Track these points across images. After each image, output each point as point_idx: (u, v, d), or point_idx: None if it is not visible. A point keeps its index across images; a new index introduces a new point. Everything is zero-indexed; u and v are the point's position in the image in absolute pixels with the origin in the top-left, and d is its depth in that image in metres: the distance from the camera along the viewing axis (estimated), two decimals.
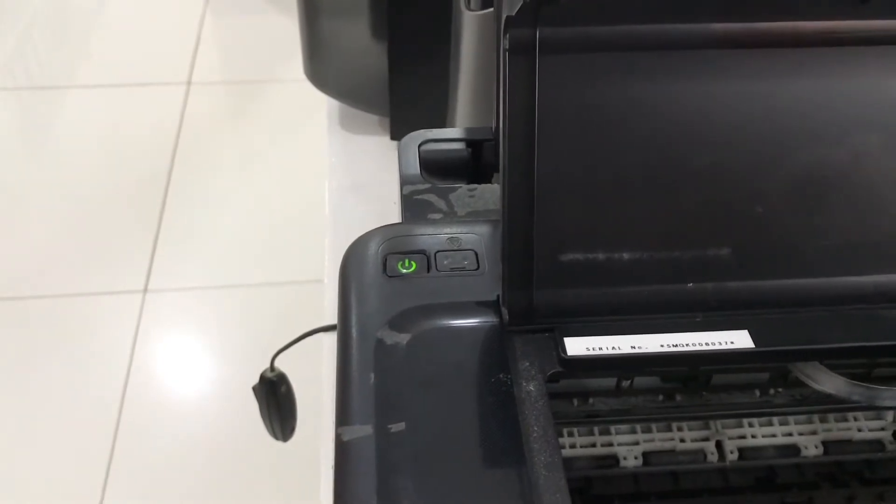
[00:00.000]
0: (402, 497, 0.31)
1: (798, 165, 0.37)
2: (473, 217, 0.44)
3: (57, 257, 1.50)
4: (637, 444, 0.43)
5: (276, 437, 0.65)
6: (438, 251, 0.41)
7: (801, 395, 0.43)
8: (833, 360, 0.38)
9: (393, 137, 0.72)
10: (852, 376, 0.43)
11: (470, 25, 0.58)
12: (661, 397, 0.43)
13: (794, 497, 0.43)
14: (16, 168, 1.70)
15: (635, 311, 0.38)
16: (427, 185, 0.46)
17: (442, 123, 0.68)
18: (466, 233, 0.42)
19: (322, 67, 0.72)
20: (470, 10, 0.57)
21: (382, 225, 0.43)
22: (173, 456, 1.25)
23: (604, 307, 0.38)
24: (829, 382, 0.37)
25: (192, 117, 1.77)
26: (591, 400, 0.43)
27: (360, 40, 0.69)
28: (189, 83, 1.85)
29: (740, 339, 0.37)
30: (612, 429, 0.43)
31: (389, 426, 0.33)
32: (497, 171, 0.46)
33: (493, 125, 0.47)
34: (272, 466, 1.19)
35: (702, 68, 0.36)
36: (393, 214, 0.46)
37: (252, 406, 0.65)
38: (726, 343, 0.37)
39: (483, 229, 0.42)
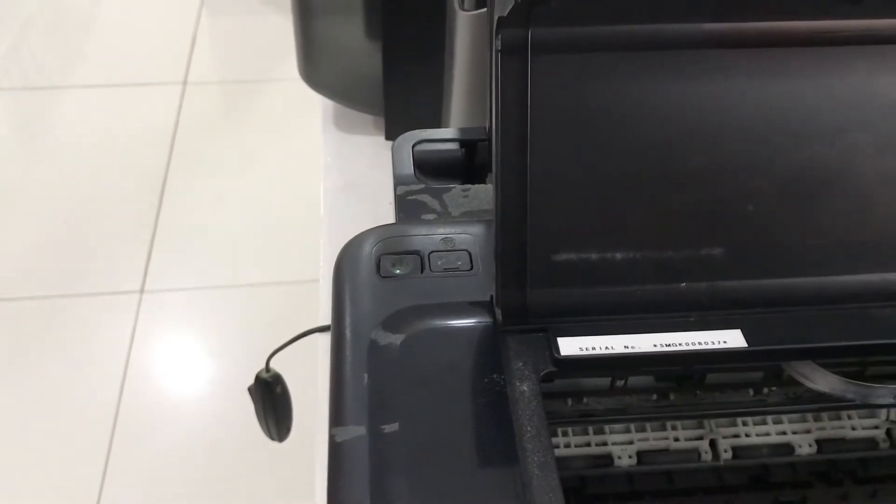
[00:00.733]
0: (396, 498, 0.31)
1: (791, 165, 0.37)
2: (467, 217, 0.44)
3: (53, 258, 1.50)
4: (631, 443, 0.43)
5: (272, 438, 0.65)
6: (432, 252, 0.41)
7: (795, 394, 0.43)
8: (826, 358, 0.38)
9: (388, 137, 0.72)
10: (845, 375, 0.43)
11: (464, 25, 0.58)
12: (655, 396, 0.43)
13: (787, 496, 0.43)
14: (11, 168, 1.70)
15: (629, 311, 0.38)
16: (421, 186, 0.46)
17: (437, 123, 0.68)
18: (460, 233, 0.42)
19: (316, 68, 0.72)
20: (464, 10, 0.57)
21: (376, 225, 0.43)
22: (170, 456, 1.25)
23: (597, 307, 0.38)
24: (822, 381, 0.37)
25: (188, 117, 1.77)
26: (585, 399, 0.43)
27: (354, 40, 0.69)
28: (185, 83, 1.85)
29: (733, 339, 0.37)
30: (607, 428, 0.43)
31: (383, 427, 0.33)
32: (491, 171, 0.46)
33: (487, 125, 0.47)
34: (268, 467, 1.19)
35: (694, 68, 0.36)
36: (388, 214, 0.46)
37: (248, 406, 0.65)
38: (719, 342, 0.37)
39: (477, 229, 0.42)
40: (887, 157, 0.37)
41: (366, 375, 0.35)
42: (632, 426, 0.43)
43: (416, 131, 0.49)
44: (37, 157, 1.72)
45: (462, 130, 0.50)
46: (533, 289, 0.37)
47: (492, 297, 0.38)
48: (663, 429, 0.43)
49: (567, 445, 0.42)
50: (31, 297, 1.45)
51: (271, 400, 0.63)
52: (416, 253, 0.41)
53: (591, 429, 0.43)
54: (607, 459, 0.43)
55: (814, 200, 0.38)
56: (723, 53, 0.36)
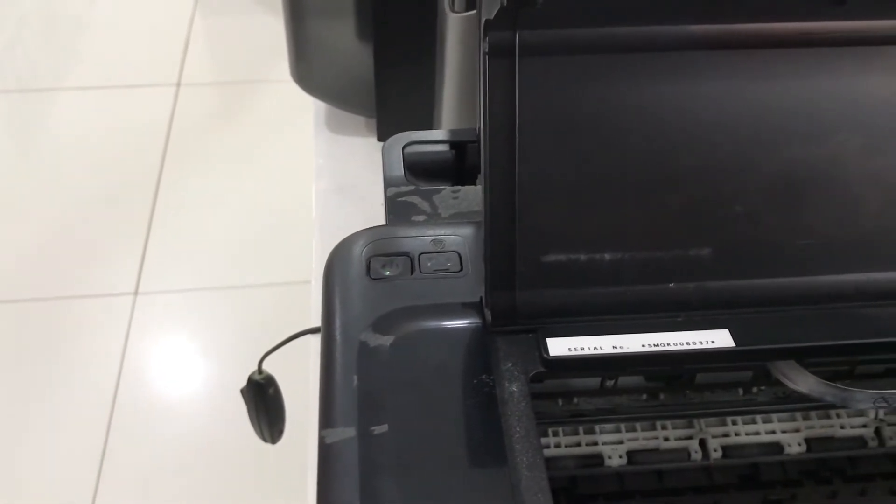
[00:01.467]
0: (385, 499, 0.32)
1: (778, 165, 0.37)
2: (457, 219, 0.44)
3: (47, 260, 1.50)
4: (621, 443, 0.43)
5: (265, 440, 0.65)
6: (422, 253, 0.41)
7: (784, 394, 0.43)
8: (813, 358, 0.38)
9: (380, 139, 0.72)
10: (835, 374, 0.43)
11: (454, 27, 0.58)
12: (644, 396, 0.43)
13: (777, 494, 0.44)
14: (5, 170, 1.69)
15: (617, 311, 0.38)
16: (411, 187, 0.46)
17: (428, 124, 0.68)
18: (450, 234, 0.42)
19: (308, 70, 0.72)
20: (454, 11, 0.57)
21: (367, 227, 0.43)
22: (164, 457, 1.25)
23: (586, 307, 0.38)
24: (803, 382, 0.37)
25: (182, 119, 1.77)
26: (575, 399, 0.43)
27: (345, 42, 0.70)
28: (178, 85, 1.85)
29: (721, 339, 0.37)
30: (597, 428, 0.43)
31: (372, 428, 0.34)
32: (480, 172, 0.47)
33: (476, 127, 0.47)
34: (261, 468, 1.20)
35: (681, 69, 0.36)
36: (380, 215, 0.46)
37: (241, 408, 0.65)
38: (707, 342, 0.37)
39: (467, 231, 0.42)
40: (873, 158, 0.37)
41: (355, 377, 0.35)
42: (622, 426, 0.43)
43: (407, 133, 0.49)
44: (30, 158, 1.72)
45: (452, 132, 0.50)
46: (522, 290, 0.37)
47: (481, 298, 0.38)
48: (653, 428, 0.43)
49: (557, 445, 0.43)
50: (25, 299, 1.45)
51: (264, 402, 0.63)
52: (406, 254, 0.41)
53: (581, 429, 0.43)
54: (597, 459, 0.43)
55: (801, 201, 0.38)
56: (709, 55, 0.36)
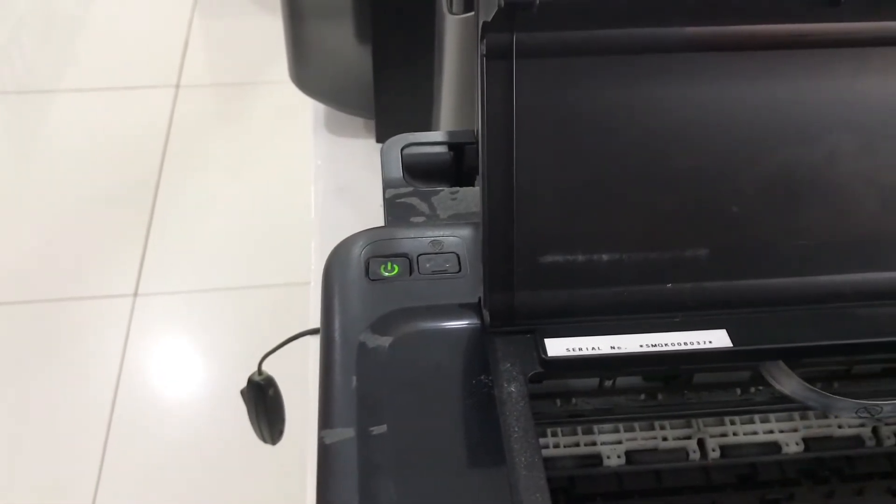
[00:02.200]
0: (384, 499, 0.32)
1: (774, 166, 0.38)
2: (456, 220, 0.44)
3: (46, 262, 1.50)
4: (620, 443, 0.43)
5: (265, 441, 0.66)
6: (421, 254, 0.41)
7: (782, 393, 0.43)
8: (810, 358, 0.38)
9: (379, 140, 0.72)
10: (832, 374, 0.43)
11: (453, 29, 0.58)
12: (643, 396, 0.43)
13: (775, 494, 0.44)
14: (4, 173, 1.69)
15: (615, 312, 0.38)
16: (409, 189, 0.46)
17: (427, 126, 0.68)
18: (448, 236, 0.42)
19: (307, 71, 0.73)
20: (452, 13, 0.57)
21: (365, 228, 0.43)
22: (163, 459, 1.25)
23: (584, 308, 0.38)
24: (787, 384, 0.37)
25: (181, 120, 1.77)
26: (573, 400, 0.43)
27: (344, 44, 0.70)
28: (178, 86, 1.85)
29: (718, 339, 0.37)
30: (595, 428, 0.43)
31: (371, 429, 0.34)
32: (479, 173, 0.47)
33: (475, 128, 0.47)
34: (260, 469, 1.20)
35: (677, 71, 0.36)
36: (379, 217, 0.47)
37: (241, 409, 0.65)
38: (705, 342, 0.37)
39: (465, 232, 0.43)
40: (868, 158, 0.38)
41: (354, 378, 0.36)
42: (620, 426, 0.43)
43: (405, 134, 0.49)
44: (29, 160, 1.72)
45: (450, 133, 0.50)
46: (520, 291, 0.37)
47: (480, 299, 0.38)
48: (651, 428, 0.43)
49: (556, 446, 0.43)
50: (24, 301, 1.45)
51: (264, 403, 0.63)
52: (405, 256, 0.41)
53: (579, 429, 0.43)
54: (596, 459, 0.43)
55: (797, 201, 0.38)
56: (706, 56, 0.36)
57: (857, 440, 0.44)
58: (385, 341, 0.37)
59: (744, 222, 0.38)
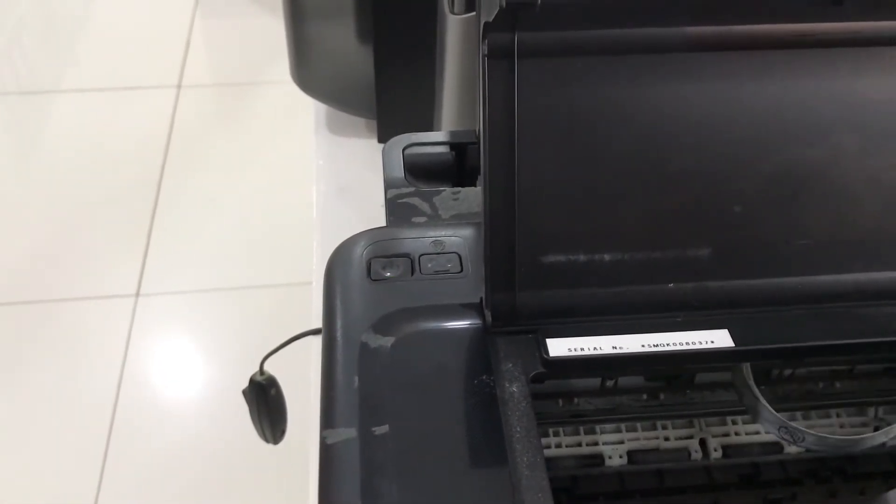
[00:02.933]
0: (387, 499, 0.32)
1: (776, 166, 0.37)
2: (457, 220, 0.44)
3: (48, 262, 1.50)
4: (622, 442, 0.43)
5: (267, 440, 0.66)
6: (422, 254, 0.41)
7: (784, 393, 0.43)
8: (812, 357, 0.38)
9: (380, 140, 0.72)
10: (834, 374, 0.43)
11: (454, 29, 0.58)
12: (645, 396, 0.43)
13: (777, 493, 0.44)
14: (5, 173, 1.70)
15: (617, 312, 0.38)
16: (411, 189, 0.46)
17: (429, 126, 0.68)
18: (450, 236, 0.42)
19: (309, 71, 0.73)
20: (454, 13, 0.57)
21: (367, 228, 0.43)
22: (165, 459, 1.25)
23: (586, 308, 0.38)
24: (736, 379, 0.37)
25: (183, 120, 1.77)
26: (575, 400, 0.43)
27: (346, 44, 0.70)
28: (179, 86, 1.85)
29: (720, 339, 0.37)
30: (597, 428, 0.43)
31: (373, 429, 0.34)
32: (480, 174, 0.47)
33: (476, 128, 0.47)
34: (263, 469, 1.20)
35: (680, 71, 0.36)
36: (381, 217, 0.47)
37: (243, 409, 0.65)
38: (706, 342, 0.37)
39: (467, 232, 0.43)
40: (871, 158, 0.38)
41: (356, 378, 0.36)
42: (622, 426, 0.43)
43: (407, 135, 0.49)
44: (31, 161, 1.72)
45: (452, 133, 0.50)
46: (522, 291, 0.37)
47: (481, 299, 0.38)
48: (654, 428, 0.43)
49: (558, 445, 0.43)
50: (26, 301, 1.45)
51: (266, 402, 0.63)
52: (407, 256, 0.41)
53: (581, 429, 0.43)
54: (598, 459, 0.43)
55: (799, 201, 0.38)
56: (708, 56, 0.36)
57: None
58: (387, 341, 0.37)
59: (746, 222, 0.38)
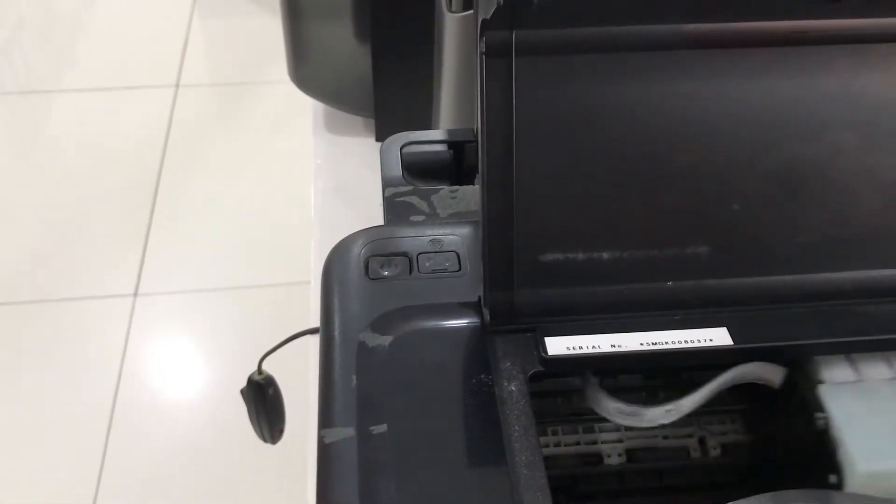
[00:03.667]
0: (385, 498, 0.32)
1: (774, 163, 0.37)
2: (455, 219, 0.44)
3: (46, 262, 1.50)
4: (621, 441, 0.43)
5: (265, 440, 0.65)
6: (420, 253, 0.41)
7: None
8: (811, 355, 0.38)
9: (378, 139, 0.72)
10: None
11: (452, 27, 0.58)
12: (644, 395, 0.43)
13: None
14: (4, 173, 1.69)
15: (615, 310, 0.38)
16: (409, 188, 0.46)
17: (427, 124, 0.68)
18: (448, 234, 0.42)
19: (306, 70, 0.73)
20: (452, 11, 0.57)
21: (365, 227, 0.43)
22: (164, 458, 1.25)
23: (584, 306, 0.38)
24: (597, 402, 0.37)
25: (181, 120, 1.77)
26: (574, 398, 0.43)
27: (343, 43, 0.70)
28: (177, 86, 1.85)
29: (719, 337, 0.37)
30: (596, 427, 0.43)
31: (371, 428, 0.34)
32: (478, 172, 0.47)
33: (474, 127, 0.47)
34: (261, 469, 1.20)
35: (677, 68, 0.36)
36: (379, 216, 0.47)
37: (242, 408, 0.65)
38: (705, 340, 0.37)
39: (465, 231, 0.42)
40: (869, 155, 0.37)
41: (354, 377, 0.36)
42: (621, 425, 0.43)
43: (404, 133, 0.49)
44: (29, 161, 1.72)
45: (450, 132, 0.50)
46: (520, 289, 0.37)
47: (479, 297, 0.38)
48: (652, 427, 0.43)
49: (557, 444, 0.43)
50: (24, 301, 1.45)
51: (264, 402, 0.63)
52: (405, 254, 0.41)
53: (580, 427, 0.43)
54: (597, 458, 0.43)
55: (797, 199, 0.38)
56: (706, 54, 0.36)
57: None
58: (385, 340, 0.37)
59: (744, 220, 0.38)
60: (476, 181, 0.48)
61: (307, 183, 0.73)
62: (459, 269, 0.40)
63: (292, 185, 1.53)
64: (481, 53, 0.34)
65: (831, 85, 0.37)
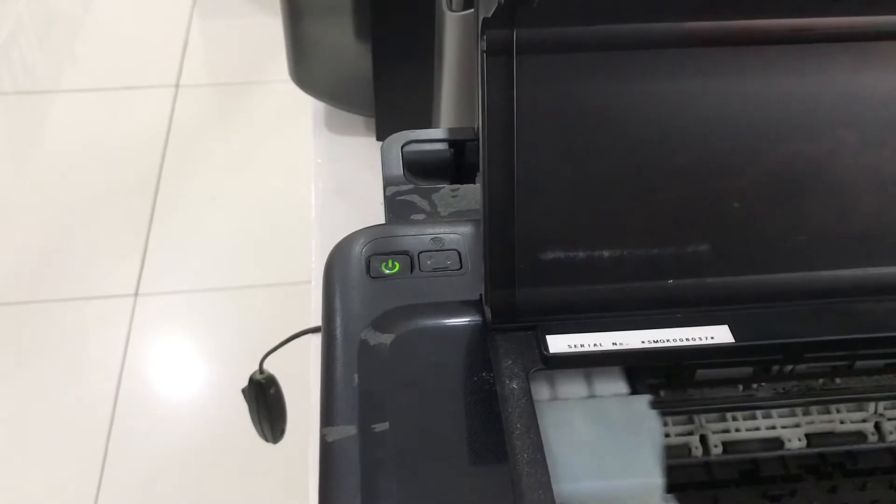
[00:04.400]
0: (387, 497, 0.32)
1: (775, 161, 0.37)
2: (456, 217, 0.44)
3: (47, 262, 1.50)
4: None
5: (266, 439, 0.66)
6: (421, 252, 0.41)
7: (784, 389, 0.43)
8: (812, 353, 0.38)
9: (379, 138, 0.72)
10: (834, 370, 0.43)
11: (452, 26, 0.58)
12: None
13: (777, 489, 0.44)
14: (3, 174, 1.69)
15: (617, 308, 0.38)
16: (410, 186, 0.46)
17: (428, 123, 0.68)
18: (449, 233, 0.42)
19: (306, 69, 0.73)
20: (452, 10, 0.57)
21: (366, 226, 0.43)
22: (165, 458, 1.25)
23: (585, 304, 0.38)
24: None
25: (181, 120, 1.77)
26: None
27: (343, 42, 0.70)
28: (177, 86, 1.85)
29: (720, 334, 0.37)
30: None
31: (373, 426, 0.34)
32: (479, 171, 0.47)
33: (475, 126, 0.47)
34: (262, 468, 1.20)
35: (677, 66, 0.36)
36: (380, 215, 0.47)
37: (243, 408, 0.65)
38: (707, 338, 0.37)
39: (466, 229, 0.43)
40: (869, 153, 0.38)
41: (356, 375, 0.36)
42: None
43: (405, 132, 0.49)
44: (29, 161, 1.72)
45: (451, 131, 0.50)
46: (521, 287, 0.37)
47: (481, 295, 0.38)
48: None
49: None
50: (25, 301, 1.45)
51: (265, 401, 0.63)
52: (406, 253, 0.41)
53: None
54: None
55: (798, 197, 0.38)
56: (706, 52, 0.36)
57: (860, 435, 0.44)
58: (386, 339, 0.37)
59: (745, 218, 0.38)
60: (477, 180, 0.48)
61: (307, 182, 0.73)
62: (461, 268, 0.41)
63: (293, 184, 1.53)
64: (482, 52, 0.34)
65: (831, 83, 0.37)
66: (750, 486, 0.44)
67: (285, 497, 1.16)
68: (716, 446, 0.43)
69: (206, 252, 1.52)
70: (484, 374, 0.36)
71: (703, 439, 0.43)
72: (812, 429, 0.44)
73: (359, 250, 0.41)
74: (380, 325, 0.38)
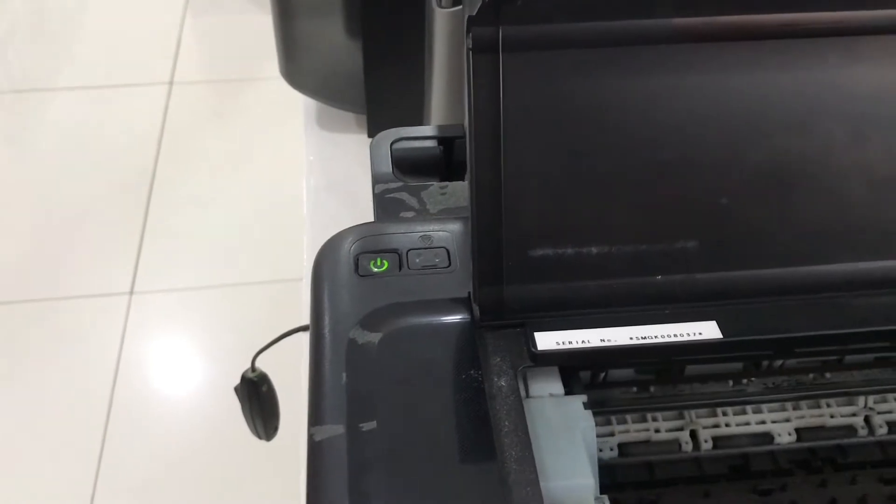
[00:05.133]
0: (374, 495, 0.32)
1: (763, 157, 0.37)
2: (445, 214, 0.44)
3: (42, 260, 1.50)
4: (612, 435, 0.43)
5: (259, 437, 0.66)
6: (410, 249, 0.41)
7: (774, 384, 0.43)
8: (800, 348, 0.38)
9: (370, 135, 0.72)
10: (823, 364, 0.43)
11: (442, 23, 0.58)
12: (635, 389, 0.43)
13: (768, 484, 0.44)
14: None
15: (605, 305, 0.38)
16: (399, 184, 0.46)
17: (419, 120, 0.68)
18: (438, 230, 0.42)
19: (297, 67, 0.72)
20: (441, 7, 0.57)
21: (354, 224, 0.43)
22: (160, 455, 1.25)
23: (574, 301, 0.38)
24: None
25: (175, 117, 1.77)
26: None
27: (334, 39, 0.69)
28: (171, 83, 1.84)
29: (708, 330, 0.37)
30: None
31: (361, 425, 0.34)
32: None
33: (464, 123, 0.47)
34: (255, 466, 1.20)
35: (665, 62, 0.36)
36: (372, 212, 0.47)
37: (236, 406, 0.65)
38: (695, 334, 0.37)
39: (455, 227, 0.42)
40: (858, 148, 0.38)
41: (344, 374, 0.36)
42: (612, 418, 0.43)
43: (395, 129, 0.49)
44: (23, 159, 1.72)
45: (440, 128, 0.50)
46: (509, 285, 0.37)
47: (469, 293, 0.38)
48: (644, 420, 0.43)
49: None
50: (20, 300, 1.45)
51: (258, 399, 0.63)
52: (395, 251, 0.41)
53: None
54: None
55: (786, 192, 0.38)
56: (694, 47, 0.36)
57: (850, 430, 0.44)
58: (374, 337, 0.37)
59: (733, 213, 0.38)
60: (466, 177, 0.48)
61: (299, 179, 0.73)
62: (449, 265, 0.41)
63: (285, 181, 1.53)
64: (468, 49, 0.34)
65: (821, 78, 0.37)
66: (740, 481, 0.44)
67: (278, 494, 1.16)
68: (706, 441, 0.43)
69: (200, 249, 1.52)
70: (472, 371, 0.36)
71: (694, 434, 0.43)
72: (802, 423, 0.44)
73: (347, 248, 0.41)
74: (368, 323, 0.37)
